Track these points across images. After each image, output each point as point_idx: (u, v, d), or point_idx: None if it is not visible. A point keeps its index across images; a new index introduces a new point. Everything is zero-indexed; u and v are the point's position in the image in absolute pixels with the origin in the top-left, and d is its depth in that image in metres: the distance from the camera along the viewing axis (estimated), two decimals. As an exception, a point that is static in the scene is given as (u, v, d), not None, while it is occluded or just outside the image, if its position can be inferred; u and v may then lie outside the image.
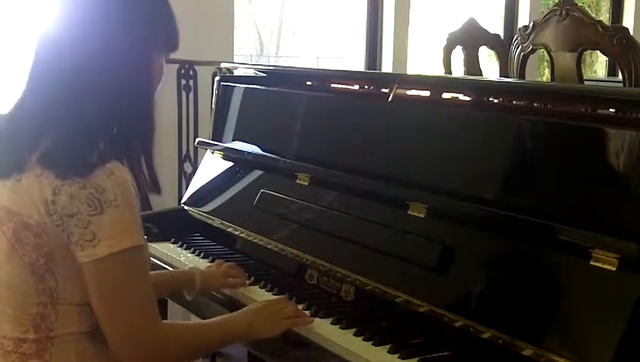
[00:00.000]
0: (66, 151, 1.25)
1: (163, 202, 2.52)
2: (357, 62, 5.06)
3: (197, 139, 2.47)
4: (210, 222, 2.10)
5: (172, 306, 2.14)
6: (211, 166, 2.24)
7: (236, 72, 2.48)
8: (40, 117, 1.29)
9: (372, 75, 2.90)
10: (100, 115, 1.29)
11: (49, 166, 1.24)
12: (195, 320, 2.25)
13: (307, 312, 1.59)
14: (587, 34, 2.83)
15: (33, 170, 1.26)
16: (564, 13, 2.88)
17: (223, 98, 2.29)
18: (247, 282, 1.78)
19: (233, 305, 1.71)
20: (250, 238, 1.93)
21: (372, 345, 1.42)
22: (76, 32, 1.29)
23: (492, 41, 3.57)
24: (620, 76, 2.88)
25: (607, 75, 6.04)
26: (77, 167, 1.23)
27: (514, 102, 1.68)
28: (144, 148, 1.37)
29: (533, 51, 3.16)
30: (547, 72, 4.37)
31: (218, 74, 2.49)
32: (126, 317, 1.28)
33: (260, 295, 1.70)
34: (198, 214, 2.15)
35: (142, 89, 1.35)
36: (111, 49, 1.29)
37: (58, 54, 1.29)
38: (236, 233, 1.99)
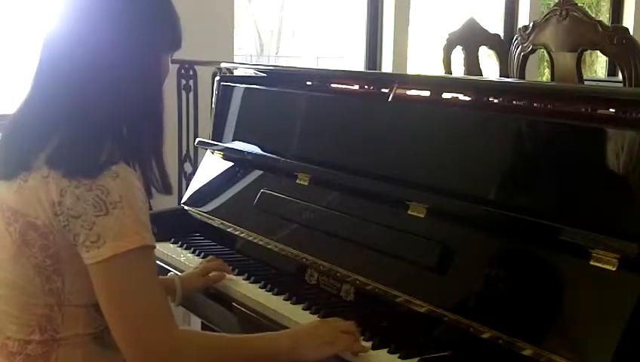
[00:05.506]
0: (74, 151, 1.25)
1: (163, 202, 2.52)
2: (357, 62, 5.06)
3: (197, 139, 2.47)
4: (210, 222, 2.10)
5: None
6: (211, 166, 2.24)
7: (236, 72, 2.47)
8: (47, 117, 1.29)
9: (372, 75, 2.90)
10: (109, 116, 1.29)
11: (57, 166, 1.24)
12: (194, 320, 2.26)
13: (307, 312, 1.59)
14: (587, 34, 2.83)
15: (40, 171, 1.25)
16: (564, 13, 2.89)
17: (223, 98, 2.29)
18: (232, 273, 1.79)
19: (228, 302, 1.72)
20: (250, 238, 1.93)
21: (372, 345, 1.42)
22: (84, 34, 1.28)
23: (492, 41, 3.57)
24: (620, 76, 2.88)
25: (607, 75, 6.06)
26: (85, 168, 1.23)
27: (514, 102, 1.68)
28: (154, 148, 1.36)
29: (533, 51, 3.17)
30: (547, 72, 4.37)
31: (218, 74, 2.49)
32: (134, 322, 1.24)
33: (260, 295, 1.70)
34: (198, 214, 2.15)
35: (152, 89, 1.35)
36: (120, 51, 1.29)
37: (65, 56, 1.28)
38: (236, 233, 1.99)
